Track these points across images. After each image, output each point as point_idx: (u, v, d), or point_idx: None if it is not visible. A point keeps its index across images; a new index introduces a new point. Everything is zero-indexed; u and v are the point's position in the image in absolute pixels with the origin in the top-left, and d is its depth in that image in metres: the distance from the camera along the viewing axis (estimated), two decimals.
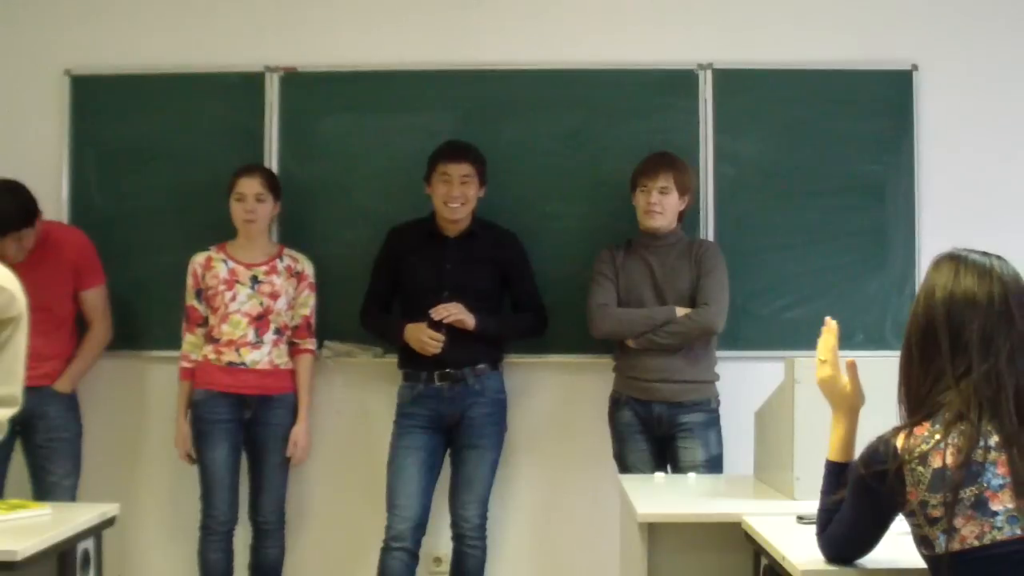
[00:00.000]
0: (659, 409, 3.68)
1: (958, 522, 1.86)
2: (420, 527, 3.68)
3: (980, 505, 1.85)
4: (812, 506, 2.32)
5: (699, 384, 3.71)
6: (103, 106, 4.12)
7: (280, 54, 4.11)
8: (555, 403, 4.09)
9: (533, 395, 4.10)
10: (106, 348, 3.91)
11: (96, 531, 2.81)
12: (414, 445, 3.72)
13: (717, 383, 3.76)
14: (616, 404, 3.79)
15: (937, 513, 1.88)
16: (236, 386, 3.73)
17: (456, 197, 3.71)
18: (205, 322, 3.80)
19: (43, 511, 2.76)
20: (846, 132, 4.05)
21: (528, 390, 4.08)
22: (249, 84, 4.08)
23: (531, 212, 4.00)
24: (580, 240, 4.01)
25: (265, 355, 3.75)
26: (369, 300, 3.87)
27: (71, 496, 3.71)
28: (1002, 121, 4.08)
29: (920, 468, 1.90)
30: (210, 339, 3.77)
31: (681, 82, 4.06)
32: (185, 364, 3.80)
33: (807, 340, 3.91)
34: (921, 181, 4.04)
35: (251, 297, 3.76)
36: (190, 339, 3.81)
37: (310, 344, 3.86)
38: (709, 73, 4.06)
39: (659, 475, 3.42)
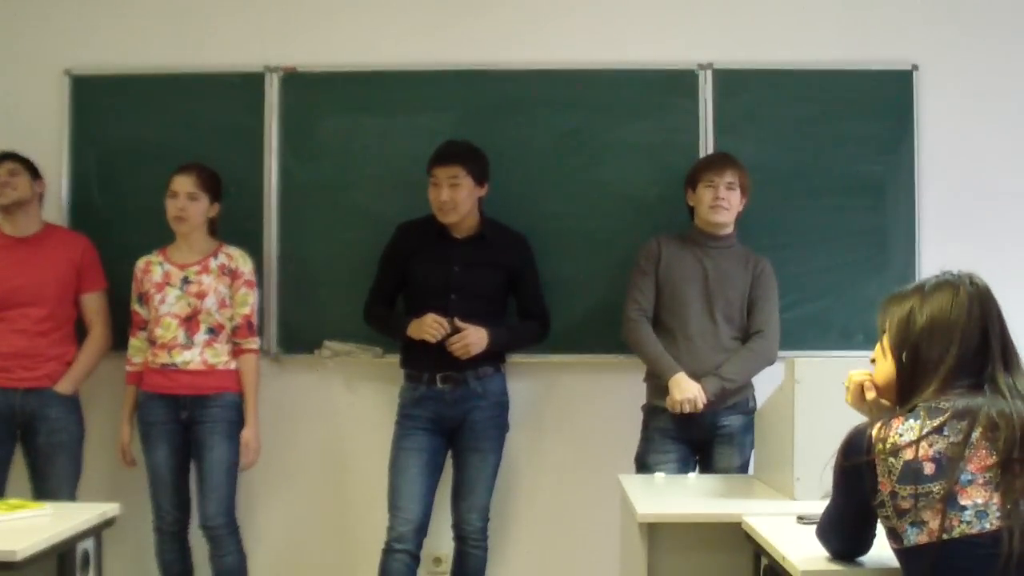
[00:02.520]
0: (702, 413, 3.57)
1: (927, 515, 1.89)
2: (422, 529, 3.66)
3: (949, 499, 1.88)
4: (812, 506, 2.32)
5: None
6: (103, 106, 4.12)
7: (280, 54, 4.10)
8: (557, 403, 4.09)
9: (535, 395, 4.09)
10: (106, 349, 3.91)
11: (96, 531, 2.81)
12: (416, 447, 3.68)
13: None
14: (655, 411, 3.66)
15: (906, 505, 1.91)
16: (169, 387, 3.69)
17: (444, 202, 3.65)
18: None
19: (43, 511, 2.76)
20: (846, 132, 4.04)
21: (530, 390, 4.07)
22: (249, 84, 4.08)
23: (531, 212, 3.98)
24: (580, 240, 4.02)
25: (197, 355, 3.70)
26: (373, 295, 3.83)
27: (71, 499, 3.69)
28: (1002, 121, 4.08)
29: (892, 459, 1.94)
30: (151, 343, 3.76)
31: (681, 82, 4.06)
32: (127, 368, 3.80)
33: (807, 340, 3.98)
34: (921, 181, 4.04)
35: (179, 299, 3.71)
36: (132, 343, 3.81)
37: (252, 344, 3.78)
38: (709, 73, 4.06)
39: (659, 475, 3.42)
